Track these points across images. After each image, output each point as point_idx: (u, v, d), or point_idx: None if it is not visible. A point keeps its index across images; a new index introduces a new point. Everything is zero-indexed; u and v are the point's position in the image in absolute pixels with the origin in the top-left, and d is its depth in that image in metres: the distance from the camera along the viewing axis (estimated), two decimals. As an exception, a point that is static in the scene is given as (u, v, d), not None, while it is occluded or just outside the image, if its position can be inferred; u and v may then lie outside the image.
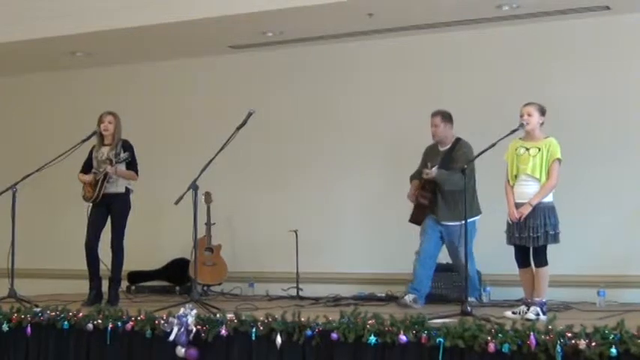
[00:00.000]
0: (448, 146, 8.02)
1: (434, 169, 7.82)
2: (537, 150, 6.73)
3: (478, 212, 7.89)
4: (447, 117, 8.02)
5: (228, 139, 7.61)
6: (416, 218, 8.09)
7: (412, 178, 8.20)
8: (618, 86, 8.46)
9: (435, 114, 8.02)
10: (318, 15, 8.57)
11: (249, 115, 7.67)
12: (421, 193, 8.00)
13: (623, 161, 8.34)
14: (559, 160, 6.70)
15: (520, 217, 6.68)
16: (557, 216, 6.71)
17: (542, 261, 6.70)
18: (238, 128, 7.67)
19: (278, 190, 9.74)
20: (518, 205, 6.73)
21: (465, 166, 7.03)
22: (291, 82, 9.84)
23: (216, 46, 9.81)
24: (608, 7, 8.29)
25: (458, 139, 8.03)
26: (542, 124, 6.82)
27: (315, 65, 9.74)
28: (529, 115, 6.77)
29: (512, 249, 6.86)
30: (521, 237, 6.72)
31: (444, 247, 8.06)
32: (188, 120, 10.25)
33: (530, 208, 6.66)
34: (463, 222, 7.28)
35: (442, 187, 7.84)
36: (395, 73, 9.34)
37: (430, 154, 8.13)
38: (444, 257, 8.17)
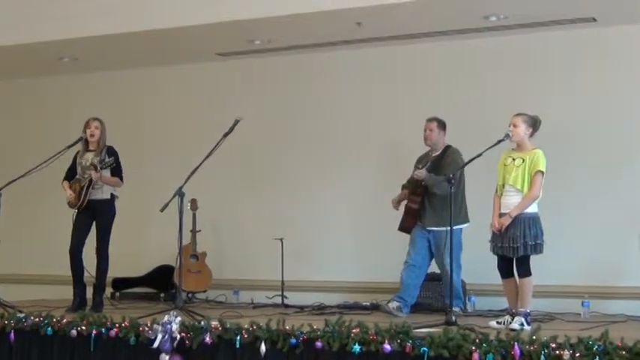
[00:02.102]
0: (438, 152, 8.10)
1: (423, 170, 7.88)
2: (522, 161, 6.76)
3: (465, 220, 7.90)
4: (442, 124, 8.14)
5: (215, 147, 7.61)
6: (405, 226, 8.10)
7: (404, 187, 8.23)
8: (604, 98, 8.50)
9: (431, 119, 8.13)
10: (307, 23, 8.59)
11: (236, 122, 7.68)
12: (411, 197, 8.05)
13: (609, 172, 8.37)
14: (541, 172, 6.70)
15: (500, 228, 6.71)
16: (541, 227, 6.72)
17: (525, 271, 6.71)
18: (225, 135, 7.67)
19: (264, 197, 9.74)
20: (502, 216, 6.75)
21: (451, 175, 7.06)
22: (278, 89, 9.84)
23: (203, 54, 9.81)
24: (594, 19, 8.34)
25: (448, 146, 8.11)
26: (531, 135, 6.84)
27: (303, 73, 9.75)
28: (515, 125, 6.81)
29: (496, 259, 6.87)
30: (502, 247, 6.75)
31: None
32: (175, 127, 10.24)
33: (509, 219, 6.68)
34: (448, 228, 7.35)
35: (431, 192, 7.88)
36: (382, 82, 9.36)
37: (422, 161, 8.19)
38: (430, 266, 8.17)
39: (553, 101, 8.45)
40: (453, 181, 6.92)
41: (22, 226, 10.45)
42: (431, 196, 7.92)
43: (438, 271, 8.12)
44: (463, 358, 5.54)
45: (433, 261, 8.09)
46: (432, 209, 7.93)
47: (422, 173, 7.92)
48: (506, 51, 8.88)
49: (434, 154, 8.13)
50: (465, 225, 7.88)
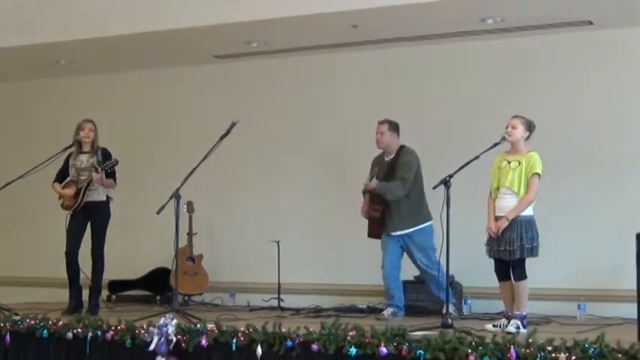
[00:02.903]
0: (392, 155, 8.08)
1: (373, 180, 7.87)
2: (518, 163, 6.77)
3: (429, 218, 7.91)
4: (393, 126, 8.08)
5: (212, 149, 7.61)
6: (373, 232, 8.11)
7: (364, 192, 8.21)
8: (601, 101, 8.50)
9: (382, 121, 8.08)
10: (303, 26, 8.59)
11: (233, 125, 7.69)
12: (372, 206, 8.03)
13: (605, 175, 8.37)
14: (538, 174, 6.71)
15: (497, 231, 6.71)
16: (537, 230, 6.73)
17: (521, 274, 6.72)
18: (221, 138, 7.68)
19: (260, 200, 9.74)
20: (498, 219, 6.75)
21: (448, 177, 7.02)
22: (275, 92, 9.85)
23: (201, 56, 9.81)
24: (590, 22, 8.34)
25: (402, 147, 8.08)
26: (527, 138, 6.85)
27: (300, 76, 9.75)
28: (513, 127, 6.81)
29: (492, 262, 6.87)
30: (499, 250, 6.75)
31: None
32: (171, 129, 10.24)
33: (506, 222, 6.68)
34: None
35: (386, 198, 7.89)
36: (379, 84, 9.36)
37: (377, 164, 8.17)
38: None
39: (549, 104, 8.45)
40: (449, 182, 6.89)
41: (17, 228, 10.44)
42: (390, 202, 7.92)
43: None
44: (459, 360, 5.55)
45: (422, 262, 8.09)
46: (394, 215, 7.94)
47: (372, 184, 7.90)
48: (503, 54, 8.88)
49: (388, 158, 8.11)
50: (430, 222, 7.89)
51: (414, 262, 8.02)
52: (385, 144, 8.08)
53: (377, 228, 8.06)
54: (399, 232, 7.94)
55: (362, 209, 8.14)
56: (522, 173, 6.73)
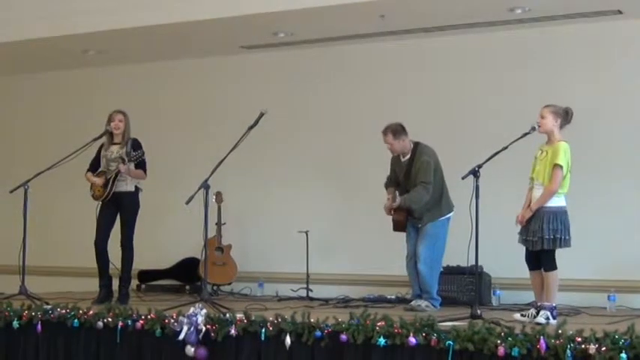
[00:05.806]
0: (408, 156, 8.04)
1: (397, 200, 7.90)
2: (546, 154, 6.73)
3: (449, 210, 7.95)
4: (397, 131, 7.97)
5: (240, 139, 7.63)
6: (398, 228, 8.12)
7: (386, 186, 8.20)
8: (630, 90, 8.44)
9: (384, 132, 7.99)
10: (330, 16, 8.58)
11: (261, 115, 7.69)
12: (396, 212, 8.02)
13: (635, 165, 8.32)
14: (559, 165, 6.61)
15: (522, 220, 6.71)
16: (566, 221, 6.66)
17: (549, 265, 6.68)
18: (250, 128, 7.69)
19: (289, 190, 9.75)
20: (532, 209, 6.75)
21: (477, 168, 6.96)
22: (302, 82, 9.85)
23: (227, 46, 9.83)
24: (620, 12, 8.28)
25: (416, 145, 8.03)
26: (561, 127, 6.78)
27: (327, 66, 9.75)
28: (542, 117, 6.75)
29: (522, 252, 6.85)
30: (525, 240, 6.75)
31: (447, 247, 8.07)
32: (199, 119, 10.27)
33: (530, 213, 6.67)
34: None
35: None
36: (407, 74, 9.35)
37: (395, 164, 8.17)
38: (453, 260, 8.16)
39: (578, 94, 8.37)
40: (478, 172, 6.82)
41: (48, 218, 10.51)
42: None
43: (461, 264, 8.03)
44: (488, 351, 5.54)
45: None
46: (418, 214, 7.94)
47: (395, 204, 7.92)
48: (530, 44, 8.83)
49: (405, 158, 8.07)
50: (450, 214, 7.92)
51: (417, 248, 7.96)
52: (398, 151, 8.05)
53: (401, 226, 8.08)
54: (421, 224, 7.94)
55: (385, 207, 8.12)
56: (547, 164, 6.69)
